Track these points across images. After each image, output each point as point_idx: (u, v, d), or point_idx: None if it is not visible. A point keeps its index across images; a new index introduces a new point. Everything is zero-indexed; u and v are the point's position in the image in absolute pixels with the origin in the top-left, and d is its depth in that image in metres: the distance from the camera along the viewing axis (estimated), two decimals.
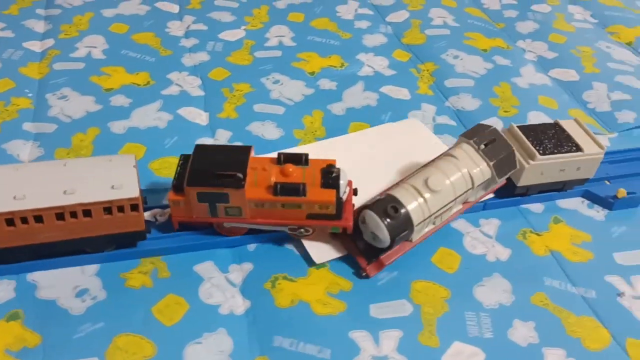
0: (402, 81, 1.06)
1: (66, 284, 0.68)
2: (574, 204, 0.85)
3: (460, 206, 0.76)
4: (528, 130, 0.82)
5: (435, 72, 1.09)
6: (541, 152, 0.78)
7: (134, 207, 0.67)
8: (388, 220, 0.67)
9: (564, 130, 0.82)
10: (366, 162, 0.86)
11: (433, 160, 0.76)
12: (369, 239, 0.71)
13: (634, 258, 0.77)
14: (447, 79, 1.07)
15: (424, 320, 0.68)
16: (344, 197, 0.70)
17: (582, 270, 0.75)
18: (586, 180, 0.84)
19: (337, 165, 0.71)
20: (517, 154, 0.77)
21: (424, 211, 0.70)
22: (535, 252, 0.77)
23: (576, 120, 0.84)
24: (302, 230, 0.72)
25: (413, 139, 0.91)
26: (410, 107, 1.00)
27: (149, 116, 0.94)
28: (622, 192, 0.82)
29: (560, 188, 0.84)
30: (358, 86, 1.04)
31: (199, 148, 0.72)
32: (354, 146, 0.90)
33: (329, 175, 0.69)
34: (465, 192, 0.73)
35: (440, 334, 0.67)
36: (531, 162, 0.78)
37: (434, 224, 0.74)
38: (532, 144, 0.79)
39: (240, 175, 0.67)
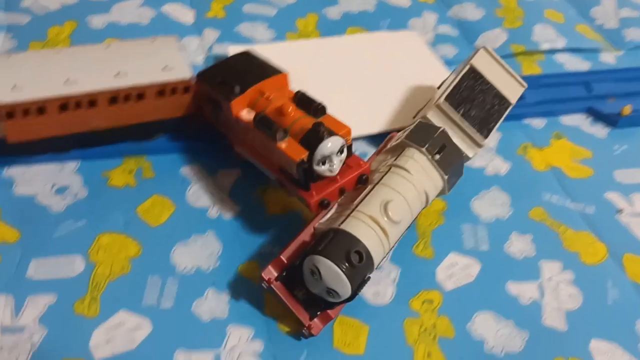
0: None
1: (44, 181, 0.64)
2: (577, 120, 0.82)
3: None
4: (455, 101, 0.68)
5: None
6: (485, 133, 0.68)
7: (186, 90, 0.64)
8: (351, 270, 0.52)
9: (483, 78, 0.70)
10: (350, 70, 0.82)
11: (383, 174, 0.60)
12: (320, 292, 0.54)
13: (635, 176, 0.75)
14: None
15: (418, 232, 0.66)
16: (323, 169, 0.57)
17: (581, 187, 0.73)
18: None
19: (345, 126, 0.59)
20: (458, 143, 0.66)
21: (385, 248, 0.56)
22: (535, 166, 0.75)
23: (485, 50, 0.72)
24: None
25: (408, 54, 0.86)
26: (410, 14, 0.94)
27: (131, 12, 0.88)
28: (627, 109, 0.79)
29: None
30: None
31: (244, 53, 0.68)
32: (342, 50, 0.85)
33: (312, 133, 0.57)
34: (419, 213, 0.61)
35: (435, 245, 0.65)
36: (477, 149, 0.68)
37: None
38: (471, 124, 0.67)
39: (238, 88, 0.62)
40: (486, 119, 0.69)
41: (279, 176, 0.60)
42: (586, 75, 0.87)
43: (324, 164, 0.57)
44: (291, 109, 0.59)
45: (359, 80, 0.80)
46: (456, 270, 0.63)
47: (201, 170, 0.68)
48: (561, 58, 0.92)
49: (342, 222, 0.55)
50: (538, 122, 0.81)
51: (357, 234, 0.53)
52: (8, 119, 0.59)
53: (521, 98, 0.79)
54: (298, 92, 0.62)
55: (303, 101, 0.61)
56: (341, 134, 0.58)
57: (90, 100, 0.61)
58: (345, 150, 0.58)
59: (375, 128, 0.74)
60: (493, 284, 0.62)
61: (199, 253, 0.61)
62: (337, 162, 0.58)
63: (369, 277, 0.55)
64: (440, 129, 0.62)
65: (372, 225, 0.55)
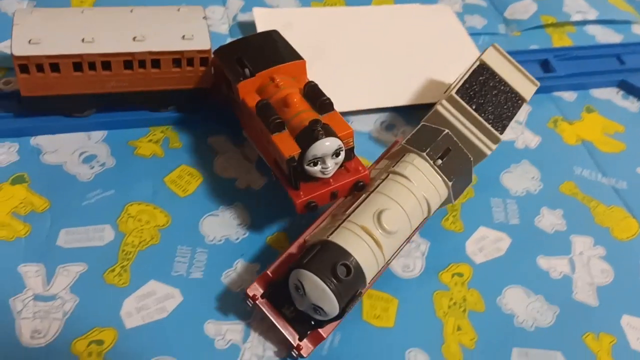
0: None
1: (72, 150, 0.64)
2: (609, 93, 0.80)
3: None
4: (468, 94, 0.65)
5: None
6: (500, 128, 0.64)
7: (204, 61, 0.63)
8: (337, 285, 0.48)
9: (495, 74, 0.67)
10: (376, 40, 0.80)
11: (380, 181, 0.55)
12: (306, 309, 0.50)
13: None
14: None
15: (448, 205, 0.65)
16: (314, 170, 0.54)
17: (613, 161, 0.72)
18: None
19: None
20: (472, 139, 0.63)
21: (379, 261, 0.51)
22: (566, 140, 0.74)
23: (495, 47, 0.69)
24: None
25: (438, 29, 0.85)
26: None
27: None
28: None
29: None
30: None
31: (269, 32, 0.65)
32: (368, 21, 0.84)
33: (307, 131, 0.53)
34: (421, 223, 0.56)
35: (465, 218, 0.64)
36: (494, 145, 0.64)
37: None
38: (486, 120, 0.63)
39: (248, 71, 0.59)
40: (500, 114, 0.65)
41: (274, 168, 0.58)
42: (618, 47, 0.86)
43: (315, 164, 0.53)
44: (296, 100, 0.56)
45: (385, 51, 0.79)
46: (486, 244, 0.62)
47: (227, 141, 0.68)
48: (593, 30, 0.90)
49: (331, 234, 0.51)
50: (569, 95, 0.79)
51: (345, 245, 0.49)
52: (22, 72, 0.59)
53: (552, 70, 0.78)
54: (309, 83, 0.58)
55: (311, 93, 0.57)
56: (341, 136, 0.54)
57: (105, 62, 0.61)
58: (342, 153, 0.54)
59: (400, 101, 0.73)
60: (523, 258, 0.62)
61: (227, 224, 0.60)
62: (332, 165, 0.54)
63: (361, 293, 0.50)
64: (444, 132, 0.57)
65: (364, 236, 0.50)
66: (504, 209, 0.66)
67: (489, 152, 0.64)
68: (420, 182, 0.54)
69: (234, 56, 0.62)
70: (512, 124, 0.74)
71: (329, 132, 0.53)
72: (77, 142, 0.65)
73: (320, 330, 0.51)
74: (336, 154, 0.54)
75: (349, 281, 0.48)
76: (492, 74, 0.67)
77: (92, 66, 0.60)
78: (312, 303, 0.48)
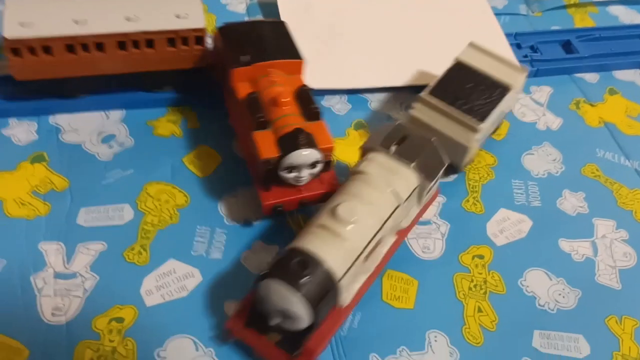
0: None
1: (90, 129, 0.64)
2: (632, 75, 0.79)
3: (395, 236, 0.56)
4: (442, 93, 0.63)
5: None
6: (478, 117, 0.61)
7: (199, 40, 0.62)
8: (298, 282, 0.45)
9: (472, 70, 0.65)
10: (397, 20, 0.79)
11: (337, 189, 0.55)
12: (283, 322, 0.47)
13: None
14: None
15: (468, 187, 0.65)
16: (288, 177, 0.54)
17: (637, 143, 0.71)
18: None
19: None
20: (449, 134, 0.61)
21: (347, 254, 0.49)
22: (588, 122, 0.73)
23: (472, 45, 0.68)
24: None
25: (462, 8, 0.83)
26: None
27: None
28: None
29: None
30: None
31: (276, 23, 0.65)
32: (397, 4, 0.82)
33: (290, 137, 0.53)
34: (394, 211, 0.53)
35: (485, 200, 0.64)
36: (475, 136, 0.61)
37: (366, 271, 0.53)
38: (463, 112, 0.61)
39: (247, 58, 0.58)
40: (480, 105, 0.62)
41: (248, 161, 0.58)
42: None
43: (291, 172, 0.54)
44: (286, 101, 0.55)
45: (407, 30, 0.78)
46: (507, 226, 0.62)
47: None
48: (615, 10, 0.88)
49: (290, 244, 0.50)
50: (591, 77, 0.78)
51: (300, 245, 0.48)
52: (14, 55, 0.58)
53: (574, 51, 0.76)
54: (302, 86, 0.58)
55: (302, 98, 0.57)
56: (322, 148, 0.54)
57: (98, 43, 0.60)
58: (319, 165, 0.55)
59: (421, 80, 0.72)
60: (545, 241, 0.61)
61: (246, 205, 0.60)
62: (307, 175, 0.55)
63: (331, 293, 0.47)
64: (396, 123, 0.57)
65: (321, 233, 0.49)
66: (525, 191, 0.65)
67: (473, 144, 0.62)
68: (377, 172, 0.53)
69: (236, 39, 0.61)
70: (534, 105, 0.74)
71: (311, 143, 0.53)
72: (95, 122, 0.65)
73: (309, 345, 0.48)
74: (313, 165, 0.54)
75: (308, 276, 0.45)
76: (470, 71, 0.65)
77: (85, 48, 0.59)
78: (279, 309, 0.46)
